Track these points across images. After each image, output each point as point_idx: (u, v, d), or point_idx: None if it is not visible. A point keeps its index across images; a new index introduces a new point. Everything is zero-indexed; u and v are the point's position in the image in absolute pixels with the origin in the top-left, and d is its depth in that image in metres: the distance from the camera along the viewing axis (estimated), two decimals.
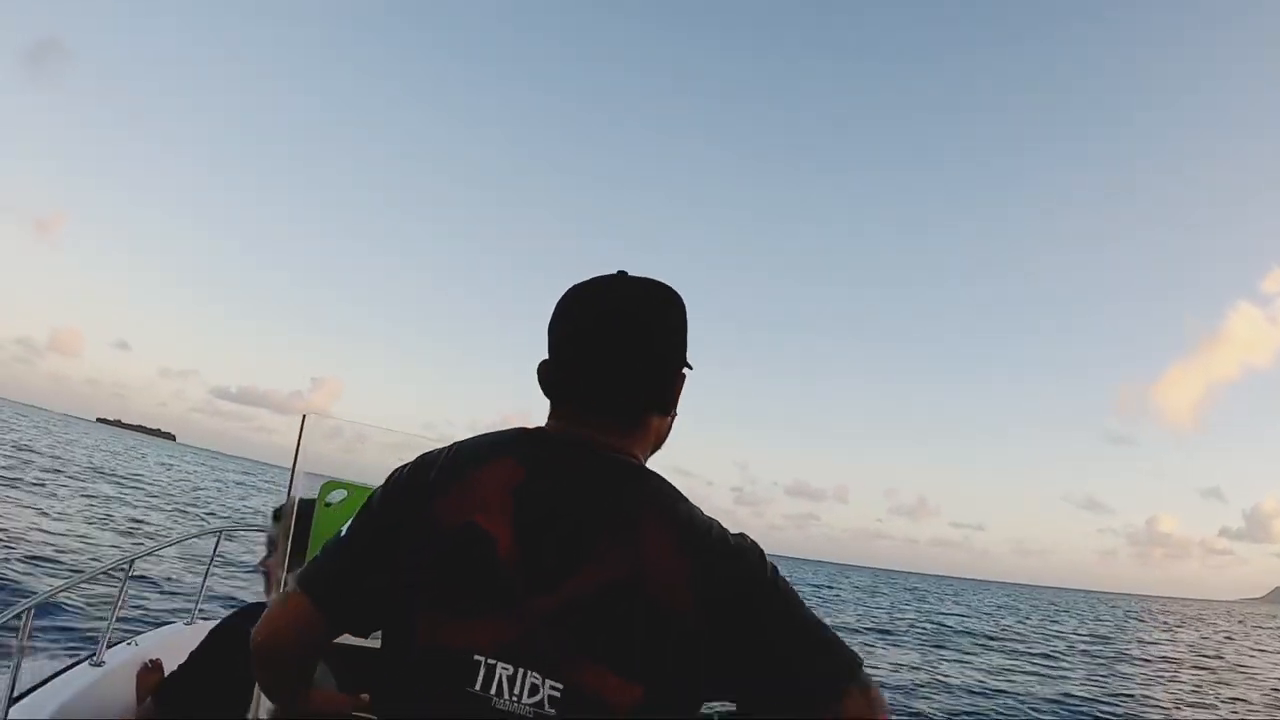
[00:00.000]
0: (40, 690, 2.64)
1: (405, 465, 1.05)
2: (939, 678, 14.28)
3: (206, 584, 4.03)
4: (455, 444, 1.04)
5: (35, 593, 2.43)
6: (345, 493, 2.00)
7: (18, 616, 2.14)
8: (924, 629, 24.77)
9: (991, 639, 23.61)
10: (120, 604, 3.09)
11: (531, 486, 0.96)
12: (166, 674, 2.87)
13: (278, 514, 2.46)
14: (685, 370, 1.08)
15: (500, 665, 0.88)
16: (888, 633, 22.04)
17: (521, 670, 0.88)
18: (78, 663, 2.98)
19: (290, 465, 1.86)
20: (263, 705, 1.75)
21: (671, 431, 1.12)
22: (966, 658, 18.14)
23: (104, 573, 3.13)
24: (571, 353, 1.04)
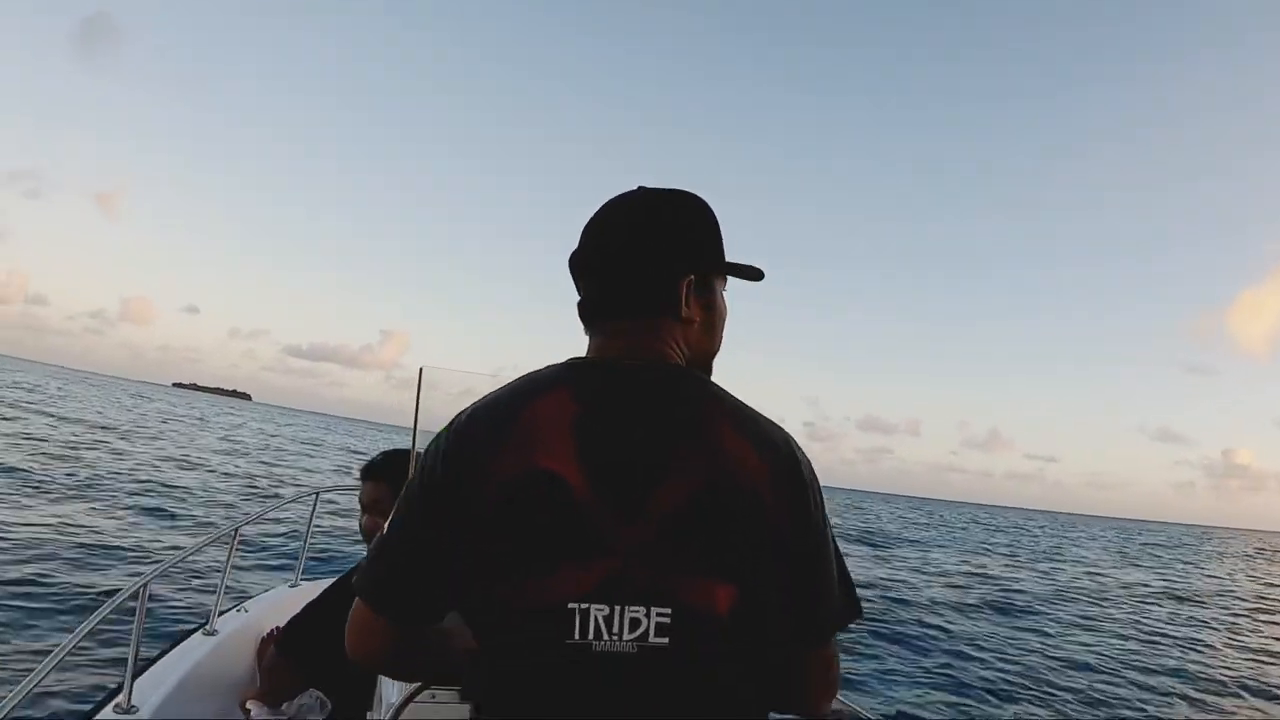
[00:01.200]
0: (159, 663, 2.69)
1: (440, 434, 0.97)
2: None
3: (307, 544, 4.13)
4: (491, 394, 0.97)
5: (157, 561, 2.43)
6: None
7: (134, 595, 2.16)
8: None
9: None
10: (228, 572, 3.15)
11: (590, 414, 0.91)
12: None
13: (366, 471, 2.47)
14: (702, 275, 1.05)
15: (595, 608, 0.85)
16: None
17: (619, 607, 0.85)
18: (191, 632, 3.03)
19: (411, 423, 1.78)
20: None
21: (717, 345, 1.09)
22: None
23: (211, 543, 3.16)
24: (586, 265, 1.04)
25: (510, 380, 0.98)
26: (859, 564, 18.77)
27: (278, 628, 3.12)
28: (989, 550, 29.75)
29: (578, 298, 1.06)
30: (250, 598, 3.67)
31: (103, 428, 28.16)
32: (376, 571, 0.96)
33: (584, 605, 0.84)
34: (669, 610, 0.85)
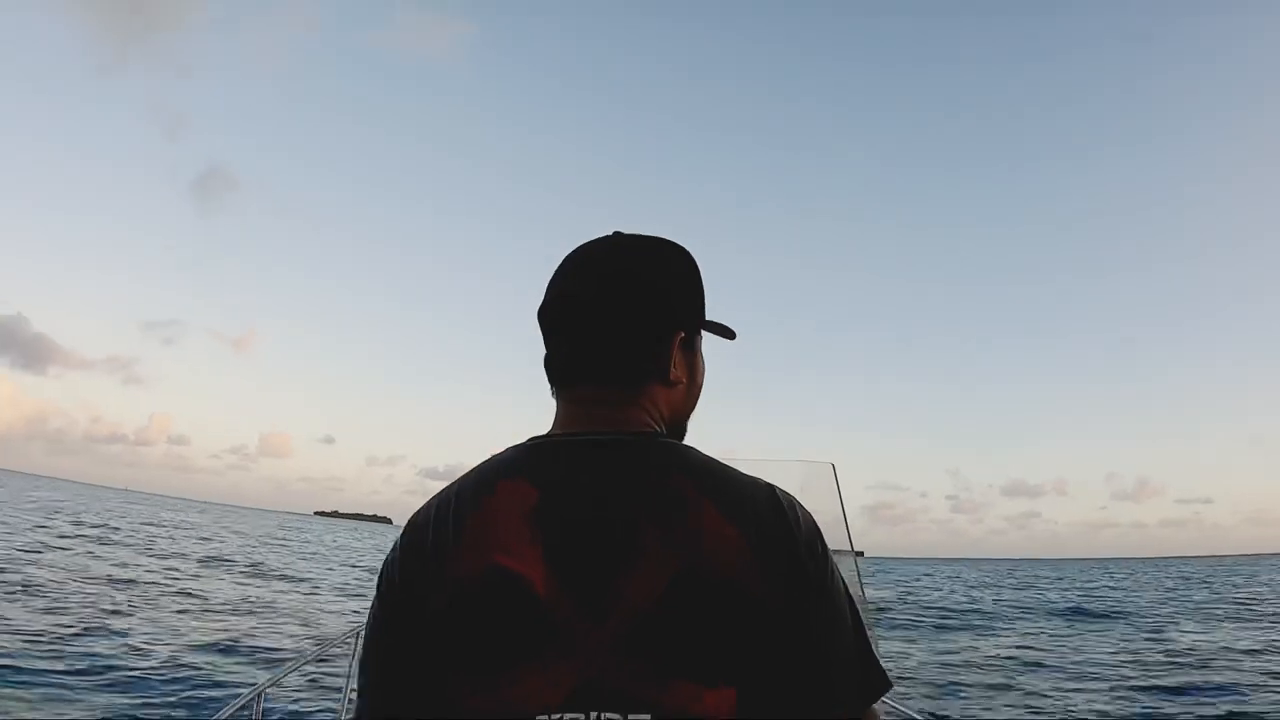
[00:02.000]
0: None
1: (394, 546, 0.87)
2: None
3: None
4: (447, 487, 0.87)
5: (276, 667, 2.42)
6: None
7: (245, 708, 2.12)
8: None
9: None
10: (351, 684, 3.09)
11: (551, 501, 0.81)
12: None
13: None
14: (689, 334, 0.95)
15: (569, 717, 0.74)
16: None
17: (595, 715, 0.74)
18: None
19: None
20: None
21: (694, 406, 0.98)
22: None
23: (332, 648, 3.14)
24: (553, 319, 0.93)
25: (480, 463, 0.88)
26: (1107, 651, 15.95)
27: None
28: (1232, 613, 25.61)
29: (544, 354, 0.94)
30: None
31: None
32: (362, 688, 0.85)
33: (555, 716, 0.74)
34: (647, 718, 0.73)
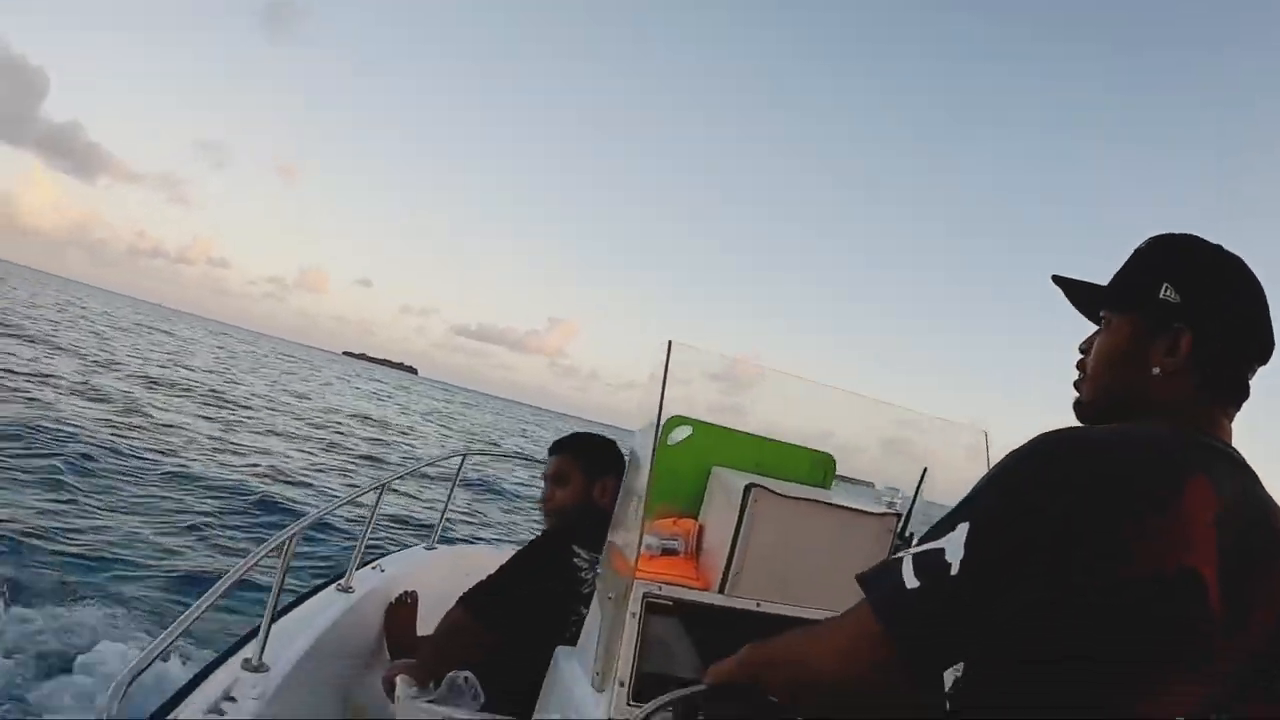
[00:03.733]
0: (292, 616, 2.59)
1: (1043, 453, 0.81)
2: None
3: (448, 507, 4.01)
4: (1123, 442, 0.83)
5: (302, 514, 2.36)
6: (690, 430, 1.90)
7: (278, 549, 2.07)
8: None
9: None
10: (369, 530, 3.04)
11: (1226, 511, 0.80)
12: (417, 605, 2.93)
13: (556, 447, 2.49)
14: None
15: None
16: None
17: None
18: (326, 585, 2.94)
19: (656, 397, 1.64)
20: None
21: None
22: None
23: (356, 499, 3.08)
24: (1247, 338, 0.94)
25: (1126, 431, 0.87)
26: None
27: (407, 593, 3.02)
28: None
29: (1195, 341, 0.92)
30: (385, 555, 3.60)
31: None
32: (924, 609, 0.80)
33: None
34: None
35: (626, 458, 2.00)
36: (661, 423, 1.70)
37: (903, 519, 1.89)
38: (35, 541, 6.21)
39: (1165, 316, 0.92)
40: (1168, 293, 0.93)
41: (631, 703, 1.54)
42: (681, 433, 1.94)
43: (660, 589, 1.64)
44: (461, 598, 2.21)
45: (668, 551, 1.77)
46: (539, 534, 2.41)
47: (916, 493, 2.01)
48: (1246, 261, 0.95)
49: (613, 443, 2.52)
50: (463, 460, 4.08)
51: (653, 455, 1.65)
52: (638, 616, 1.59)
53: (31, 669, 4.28)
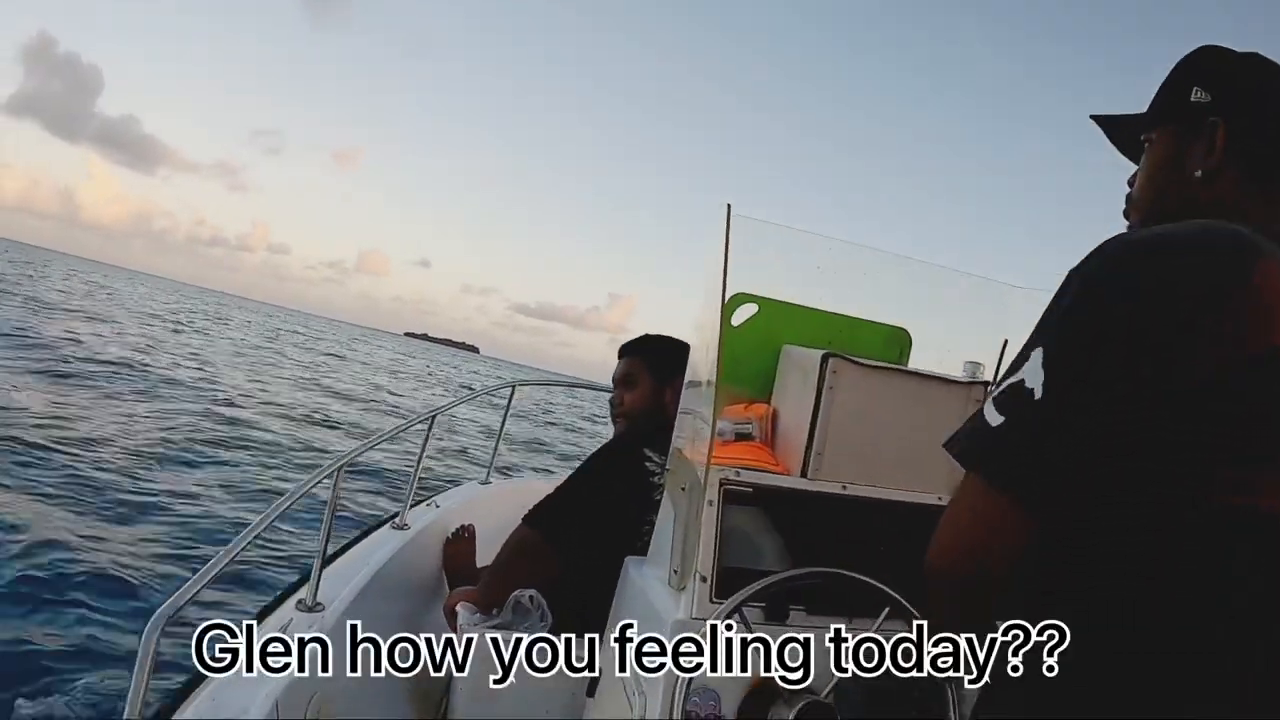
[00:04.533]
0: (347, 556, 2.51)
1: (1123, 259, 0.77)
2: None
3: (499, 442, 3.93)
4: (1175, 230, 0.79)
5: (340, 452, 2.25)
6: (756, 308, 1.79)
7: (329, 476, 1.97)
8: None
9: None
10: (420, 464, 2.95)
11: None
12: (475, 538, 2.90)
13: (625, 349, 2.39)
14: None
15: None
16: None
17: None
18: (381, 524, 2.87)
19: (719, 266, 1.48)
20: None
21: None
22: None
23: (403, 430, 2.98)
24: None
25: (1165, 227, 0.80)
26: None
27: (464, 526, 2.95)
28: None
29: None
30: (440, 492, 3.52)
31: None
32: (1024, 449, 0.76)
33: None
34: None
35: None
36: (726, 298, 1.53)
37: (990, 388, 1.73)
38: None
39: (1197, 117, 0.91)
40: (1198, 95, 0.92)
41: (714, 599, 1.41)
42: (746, 312, 1.80)
43: (738, 474, 1.49)
44: (525, 517, 2.08)
45: (741, 437, 1.62)
46: (606, 441, 2.26)
47: (999, 365, 1.86)
48: None
49: (684, 344, 2.33)
50: (513, 391, 3.96)
51: (721, 330, 1.49)
52: (715, 505, 1.45)
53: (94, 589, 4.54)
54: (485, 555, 2.74)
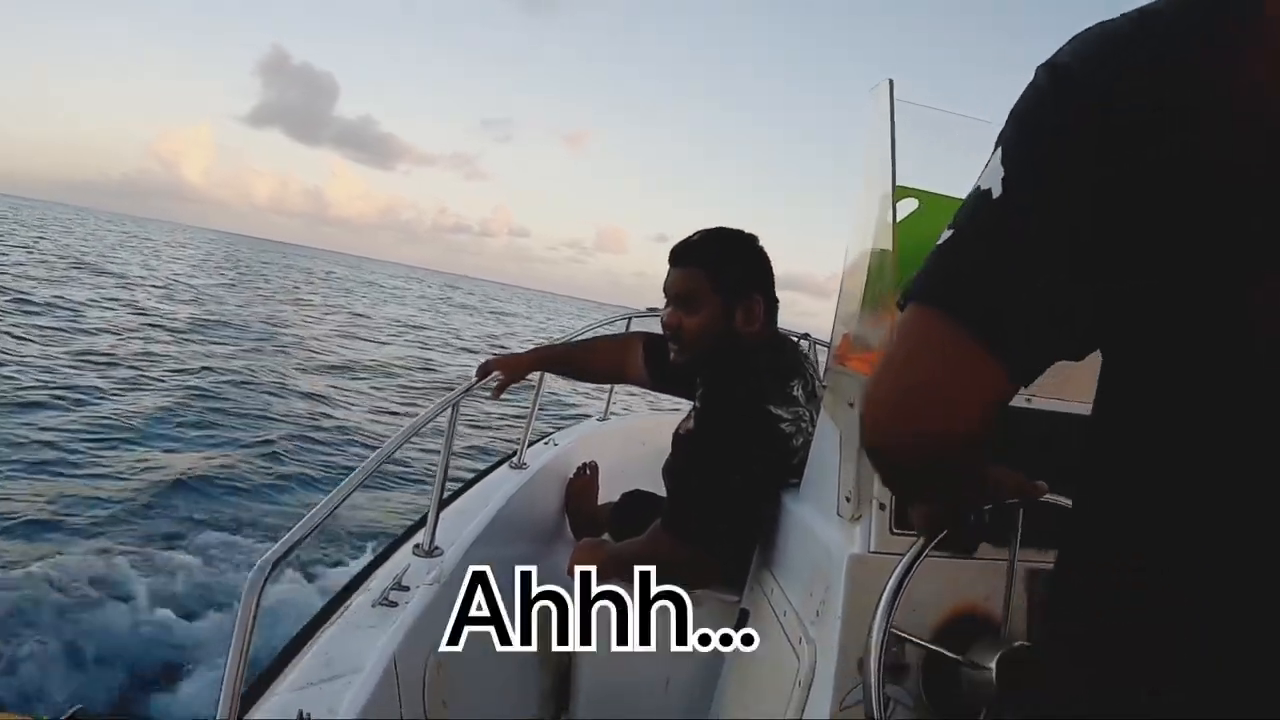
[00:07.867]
0: (464, 497, 2.40)
1: (1085, 39, 0.58)
2: None
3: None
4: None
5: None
6: (917, 203, 1.54)
7: (444, 406, 1.85)
8: None
9: None
10: (538, 401, 2.84)
11: None
12: (598, 475, 2.79)
13: (677, 256, 1.81)
14: None
15: None
16: None
17: None
18: (498, 464, 2.76)
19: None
20: None
21: None
22: None
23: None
24: None
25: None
26: None
27: (586, 464, 2.80)
28: None
29: None
30: (558, 430, 3.39)
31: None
32: (1001, 292, 0.57)
33: None
34: None
35: (849, 231, 1.51)
36: (894, 186, 1.26)
37: None
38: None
39: None
40: None
41: (896, 530, 1.17)
42: (906, 207, 1.52)
43: None
44: (668, 521, 1.67)
45: None
46: (710, 395, 1.67)
47: None
48: None
49: (753, 244, 1.81)
50: (629, 323, 3.74)
51: (893, 223, 1.23)
52: None
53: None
54: (608, 493, 2.62)
